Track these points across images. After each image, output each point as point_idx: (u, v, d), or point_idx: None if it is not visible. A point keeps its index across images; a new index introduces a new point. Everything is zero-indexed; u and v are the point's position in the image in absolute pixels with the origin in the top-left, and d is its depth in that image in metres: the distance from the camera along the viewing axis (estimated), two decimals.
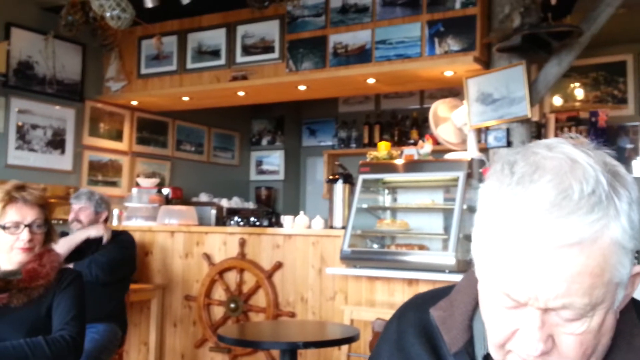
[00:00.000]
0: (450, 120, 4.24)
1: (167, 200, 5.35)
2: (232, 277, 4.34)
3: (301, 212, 4.43)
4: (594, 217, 0.72)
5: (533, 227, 0.72)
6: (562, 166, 0.75)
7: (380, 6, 4.40)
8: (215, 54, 5.07)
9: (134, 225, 4.85)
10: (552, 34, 3.68)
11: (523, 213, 0.73)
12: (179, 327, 4.57)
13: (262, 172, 7.16)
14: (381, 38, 4.38)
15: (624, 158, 5.49)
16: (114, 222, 4.94)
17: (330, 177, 4.41)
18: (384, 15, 4.38)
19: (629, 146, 5.47)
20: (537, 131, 5.60)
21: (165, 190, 5.47)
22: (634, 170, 5.44)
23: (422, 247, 3.78)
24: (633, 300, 0.84)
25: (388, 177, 4.15)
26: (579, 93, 5.76)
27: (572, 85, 5.77)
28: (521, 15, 3.79)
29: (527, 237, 0.72)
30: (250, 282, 4.26)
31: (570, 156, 0.76)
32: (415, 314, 0.95)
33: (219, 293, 4.40)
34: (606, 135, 5.43)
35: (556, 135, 5.56)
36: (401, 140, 6.24)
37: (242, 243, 4.31)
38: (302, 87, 4.87)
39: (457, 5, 4.13)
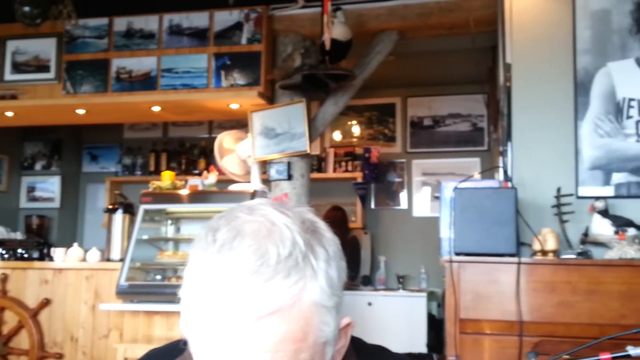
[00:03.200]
0: (235, 152, 4.30)
1: None
2: None
3: (75, 244, 4.13)
4: (291, 281, 0.71)
5: (231, 298, 0.70)
6: (260, 230, 0.73)
7: (167, 34, 4.34)
8: None
9: None
10: (330, 75, 3.93)
11: (222, 284, 0.71)
12: None
13: (34, 199, 6.55)
14: (167, 66, 4.31)
15: (392, 191, 6.03)
16: None
17: (109, 206, 4.19)
18: (170, 43, 4.33)
19: (397, 180, 6.03)
20: (318, 164, 5.92)
21: None
22: (401, 202, 5.99)
23: None
24: (355, 344, 0.86)
25: (171, 207, 4.06)
26: (356, 130, 6.23)
27: (349, 123, 6.21)
28: (302, 56, 4.00)
29: (226, 310, 0.70)
30: (12, 322, 3.85)
31: (269, 218, 0.75)
32: None
33: None
34: (378, 170, 5.92)
35: (334, 169, 5.92)
36: (188, 169, 6.16)
37: (4, 279, 3.89)
38: (80, 111, 4.58)
39: (243, 40, 4.22)
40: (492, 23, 3.71)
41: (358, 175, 5.81)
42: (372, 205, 6.03)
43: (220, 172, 4.29)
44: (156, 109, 4.49)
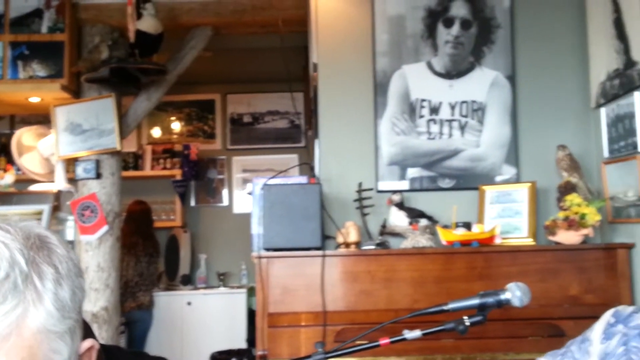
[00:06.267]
0: (36, 150, 3.99)
1: None
2: None
3: None
4: (6, 308, 0.63)
5: None
6: None
7: None
8: None
9: None
10: (141, 69, 3.78)
11: None
12: None
13: None
14: None
15: (213, 188, 5.98)
16: None
17: None
18: None
19: (218, 177, 5.99)
20: (135, 162, 5.69)
21: None
22: (222, 199, 5.96)
23: None
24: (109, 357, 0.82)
25: None
26: (176, 127, 6.08)
27: (169, 119, 6.05)
28: (109, 48, 3.80)
29: None
30: None
31: None
32: None
33: None
34: (197, 167, 5.84)
35: (152, 167, 5.73)
36: None
37: None
38: None
39: (44, 29, 3.91)
40: (303, 23, 3.82)
41: (177, 173, 5.69)
42: (192, 203, 5.94)
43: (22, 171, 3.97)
44: None
